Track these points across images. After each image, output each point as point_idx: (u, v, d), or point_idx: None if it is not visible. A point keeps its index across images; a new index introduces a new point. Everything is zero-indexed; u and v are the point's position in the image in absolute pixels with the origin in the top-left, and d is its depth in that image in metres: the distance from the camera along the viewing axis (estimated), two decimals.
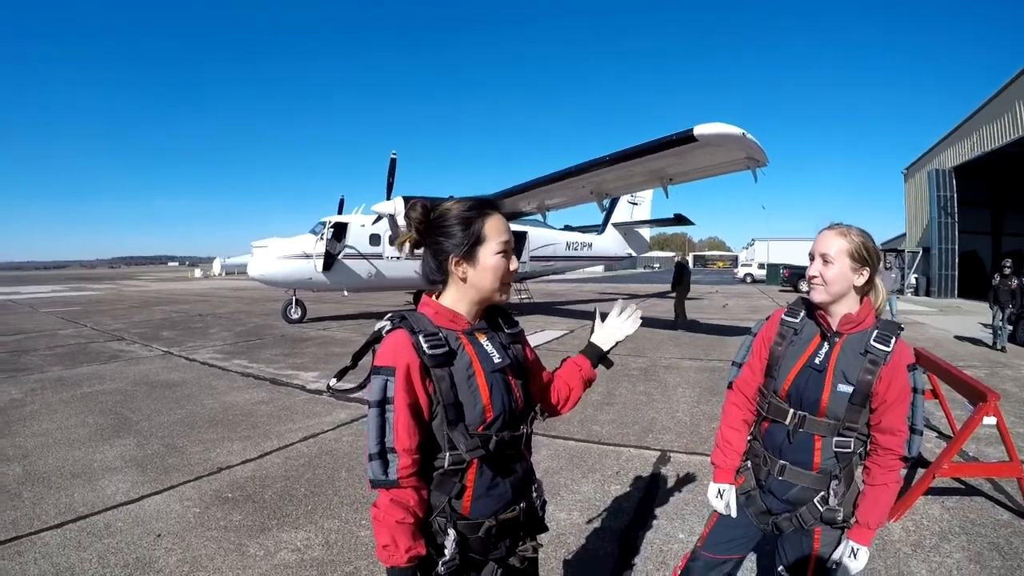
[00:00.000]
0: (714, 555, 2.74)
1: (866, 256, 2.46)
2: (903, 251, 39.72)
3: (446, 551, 1.92)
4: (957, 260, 34.13)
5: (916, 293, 36.23)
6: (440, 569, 1.91)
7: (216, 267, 79.00)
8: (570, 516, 5.01)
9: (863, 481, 2.54)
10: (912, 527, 4.96)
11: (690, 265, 29.08)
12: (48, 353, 13.98)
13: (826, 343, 2.51)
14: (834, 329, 2.50)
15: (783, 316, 2.68)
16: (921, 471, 5.64)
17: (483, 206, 2.06)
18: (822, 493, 2.48)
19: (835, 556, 2.50)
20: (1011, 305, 14.59)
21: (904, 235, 44.62)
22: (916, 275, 36.92)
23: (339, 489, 5.63)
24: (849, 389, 2.39)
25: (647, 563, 4.35)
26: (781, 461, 2.53)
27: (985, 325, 14.41)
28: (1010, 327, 14.83)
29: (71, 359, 13.10)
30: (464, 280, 2.03)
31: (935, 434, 7.57)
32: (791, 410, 2.50)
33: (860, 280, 2.46)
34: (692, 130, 12.15)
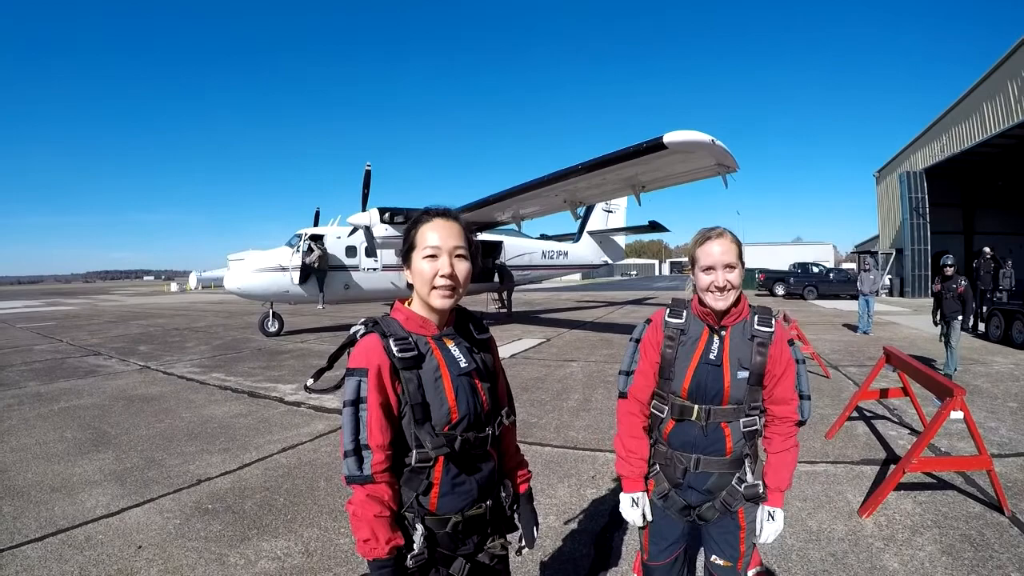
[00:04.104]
0: (662, 562, 2.81)
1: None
2: (876, 252, 40.12)
3: (415, 545, 2.01)
4: (930, 260, 34.50)
5: (890, 294, 36.66)
6: (409, 563, 1.99)
7: (192, 281, 78.10)
8: (546, 520, 5.07)
9: (765, 451, 2.72)
10: (884, 522, 5.05)
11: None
12: (24, 368, 13.88)
13: (716, 336, 2.63)
14: (720, 323, 2.62)
15: (666, 318, 2.74)
16: (893, 467, 5.75)
17: (423, 214, 2.15)
18: (737, 474, 2.64)
19: (756, 523, 2.68)
20: (958, 317, 11.39)
21: (877, 237, 45.09)
22: (890, 276, 37.32)
23: (318, 498, 5.67)
24: (746, 374, 2.57)
25: (622, 564, 4.43)
26: (694, 455, 2.62)
27: (937, 323, 11.82)
28: (955, 344, 11.45)
29: (48, 374, 13.00)
30: (412, 286, 2.14)
31: (907, 431, 7.74)
32: (696, 406, 2.60)
33: (743, 276, 2.59)
34: (662, 138, 12.21)
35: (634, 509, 2.75)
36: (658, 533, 2.80)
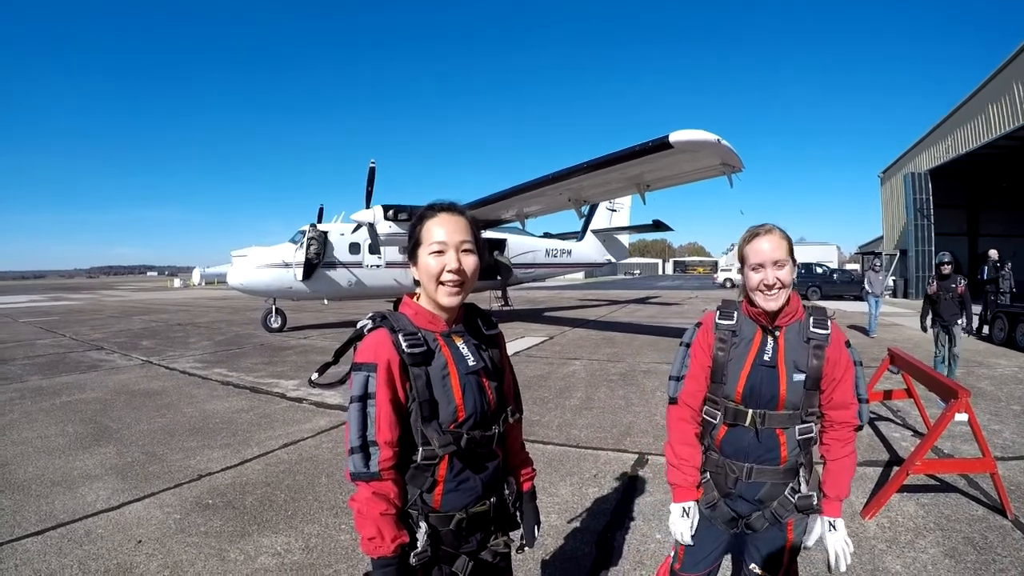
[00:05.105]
0: (696, 573, 2.72)
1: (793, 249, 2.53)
2: (881, 253, 40.09)
3: (418, 543, 1.99)
4: (934, 262, 34.29)
5: (894, 295, 36.58)
6: (412, 560, 1.96)
7: (195, 276, 78.30)
8: (548, 518, 5.04)
9: (823, 458, 2.62)
10: (887, 524, 5.02)
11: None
12: (27, 363, 13.92)
13: (770, 337, 2.54)
14: (773, 323, 2.53)
15: (717, 320, 2.65)
16: (896, 469, 5.73)
17: (428, 209, 2.12)
18: (791, 484, 2.53)
19: (814, 535, 2.56)
20: (959, 320, 10.32)
21: (881, 238, 44.99)
22: (894, 277, 37.24)
23: (319, 495, 5.66)
24: (802, 377, 2.46)
25: (624, 563, 4.42)
26: (747, 464, 2.53)
27: (926, 329, 11.00)
28: (958, 351, 10.53)
29: (50, 369, 13.04)
30: (419, 282, 2.11)
31: (911, 432, 7.71)
32: (750, 411, 2.50)
33: (794, 273, 2.52)
34: (668, 137, 12.18)
35: (684, 520, 2.64)
36: (698, 544, 2.69)
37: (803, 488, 2.53)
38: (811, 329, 2.49)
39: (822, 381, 2.49)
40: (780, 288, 2.44)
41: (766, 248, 2.46)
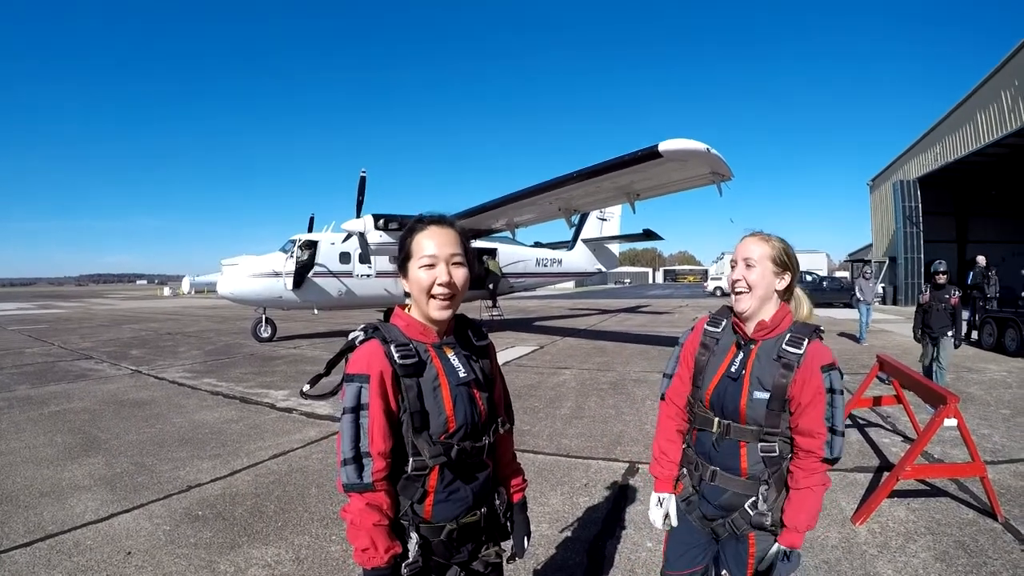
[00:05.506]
0: (679, 571, 2.70)
1: (787, 261, 2.52)
2: (870, 261, 40.26)
3: (409, 554, 1.99)
4: (923, 269, 34.50)
5: (883, 302, 36.71)
6: (404, 571, 1.97)
7: (185, 285, 77.92)
8: (539, 527, 5.05)
9: (788, 485, 2.50)
10: (878, 529, 5.04)
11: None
12: (15, 371, 13.83)
13: (741, 352, 2.53)
14: (749, 336, 2.52)
15: (705, 326, 2.68)
16: (886, 474, 5.75)
17: (417, 222, 2.13)
18: (752, 498, 2.47)
19: (767, 561, 2.49)
20: (948, 333, 9.81)
21: (870, 245, 45.22)
22: (883, 284, 37.39)
23: (309, 505, 5.64)
24: (766, 395, 2.40)
25: (615, 572, 4.41)
26: (712, 467, 2.54)
27: (918, 339, 10.57)
28: (945, 364, 10.11)
29: (38, 378, 12.95)
30: (409, 294, 2.12)
31: (900, 438, 7.75)
32: (716, 418, 2.52)
33: (782, 284, 2.51)
34: (657, 146, 12.20)
35: (658, 509, 2.72)
36: (677, 538, 2.73)
37: (761, 505, 2.46)
38: (783, 347, 2.42)
39: (790, 403, 2.41)
40: (745, 289, 2.47)
41: (740, 248, 2.53)
